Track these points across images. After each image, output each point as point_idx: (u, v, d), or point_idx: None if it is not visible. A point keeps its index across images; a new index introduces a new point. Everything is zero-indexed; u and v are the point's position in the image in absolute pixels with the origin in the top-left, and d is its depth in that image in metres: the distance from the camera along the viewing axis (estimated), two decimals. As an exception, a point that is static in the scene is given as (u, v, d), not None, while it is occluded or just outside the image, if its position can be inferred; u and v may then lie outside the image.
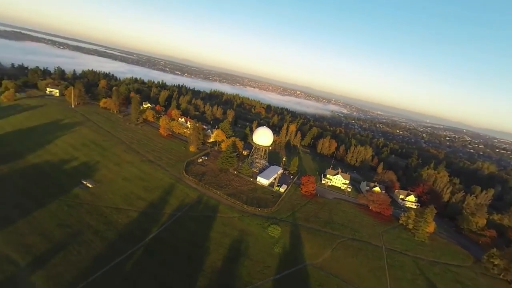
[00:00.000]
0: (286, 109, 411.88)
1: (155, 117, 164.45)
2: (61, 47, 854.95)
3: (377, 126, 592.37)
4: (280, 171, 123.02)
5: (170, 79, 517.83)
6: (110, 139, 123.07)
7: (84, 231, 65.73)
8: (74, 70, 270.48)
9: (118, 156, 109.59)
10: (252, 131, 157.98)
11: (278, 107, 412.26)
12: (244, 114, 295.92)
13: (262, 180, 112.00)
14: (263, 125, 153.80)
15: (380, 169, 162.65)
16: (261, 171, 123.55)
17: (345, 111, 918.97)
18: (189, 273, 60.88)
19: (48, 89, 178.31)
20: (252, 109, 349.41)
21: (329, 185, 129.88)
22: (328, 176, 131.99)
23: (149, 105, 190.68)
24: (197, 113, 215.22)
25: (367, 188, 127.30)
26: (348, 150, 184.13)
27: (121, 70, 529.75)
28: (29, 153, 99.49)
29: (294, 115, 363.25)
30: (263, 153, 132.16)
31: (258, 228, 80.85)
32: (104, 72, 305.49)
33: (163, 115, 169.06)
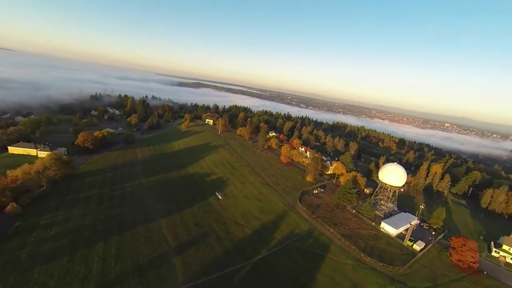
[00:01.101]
0: (427, 145, 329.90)
1: (278, 145, 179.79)
2: (219, 89, 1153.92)
3: None
4: (415, 221, 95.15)
5: (295, 111, 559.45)
6: (240, 161, 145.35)
7: (210, 234, 78.18)
8: (224, 106, 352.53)
9: (244, 176, 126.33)
10: (378, 167, 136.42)
11: (415, 142, 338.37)
12: (369, 148, 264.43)
13: (388, 228, 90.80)
14: (393, 162, 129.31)
15: None
16: (387, 216, 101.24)
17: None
18: (290, 311, 56.28)
19: (206, 119, 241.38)
20: (380, 143, 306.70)
21: (507, 262, 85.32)
22: (506, 247, 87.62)
23: (274, 134, 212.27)
24: (317, 143, 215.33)
25: None
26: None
27: (256, 104, 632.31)
28: (189, 165, 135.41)
29: (440, 153, 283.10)
30: (391, 194, 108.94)
31: (378, 289, 64.20)
32: (243, 106, 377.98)
33: (285, 143, 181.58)
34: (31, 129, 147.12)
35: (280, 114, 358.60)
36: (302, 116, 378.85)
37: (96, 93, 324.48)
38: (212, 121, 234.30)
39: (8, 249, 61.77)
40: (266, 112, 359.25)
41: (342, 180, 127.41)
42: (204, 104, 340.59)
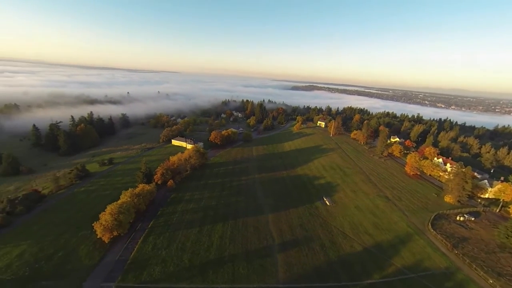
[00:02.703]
0: None
1: (402, 152, 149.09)
2: (333, 91, 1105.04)
3: None
4: None
5: (430, 112, 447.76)
6: (352, 167, 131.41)
7: (314, 240, 74.61)
8: (338, 108, 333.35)
9: (356, 184, 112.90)
10: None
11: None
12: None
13: None
14: None
15: None
16: None
17: None
18: None
19: (318, 122, 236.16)
20: None
21: None
22: None
23: (397, 139, 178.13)
24: (465, 154, 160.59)
25: None
26: None
27: (376, 106, 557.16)
28: (298, 166, 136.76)
29: None
30: None
31: None
32: (359, 108, 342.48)
33: (413, 151, 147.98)
34: (184, 128, 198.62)
35: (407, 116, 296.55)
36: (440, 119, 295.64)
37: (226, 100, 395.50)
38: (324, 123, 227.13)
39: (167, 212, 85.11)
40: (387, 114, 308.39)
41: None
42: (316, 107, 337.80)
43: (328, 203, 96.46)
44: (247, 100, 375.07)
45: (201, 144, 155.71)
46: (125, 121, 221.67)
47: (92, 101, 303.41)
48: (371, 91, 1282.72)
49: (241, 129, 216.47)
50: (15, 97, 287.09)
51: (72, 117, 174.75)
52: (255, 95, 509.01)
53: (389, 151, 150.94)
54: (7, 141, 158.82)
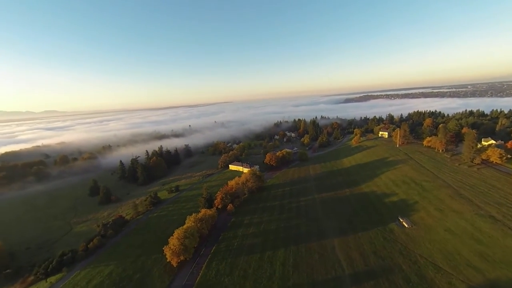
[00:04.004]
0: None
1: (504, 157, 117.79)
2: (392, 98, 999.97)
3: None
4: None
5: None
6: (432, 180, 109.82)
7: (394, 272, 61.78)
8: (401, 114, 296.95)
9: (441, 200, 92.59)
10: None
11: None
12: None
13: None
14: None
15: None
16: None
17: None
18: None
19: (380, 132, 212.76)
20: None
21: None
22: None
23: (492, 141, 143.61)
24: None
25: None
26: None
27: (451, 106, 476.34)
28: (362, 182, 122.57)
29: None
30: None
31: None
32: (429, 111, 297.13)
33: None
34: (240, 153, 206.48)
35: (501, 112, 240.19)
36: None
37: (277, 121, 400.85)
38: (386, 133, 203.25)
39: (228, 237, 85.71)
40: (471, 112, 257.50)
41: None
42: (375, 116, 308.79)
43: (406, 225, 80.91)
44: (299, 119, 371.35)
45: (257, 167, 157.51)
46: (187, 151, 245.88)
47: (161, 137, 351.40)
48: (441, 90, 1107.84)
49: (295, 148, 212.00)
50: (108, 139, 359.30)
51: (146, 151, 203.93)
52: (306, 113, 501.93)
53: (483, 157, 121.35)
54: (103, 175, 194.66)
